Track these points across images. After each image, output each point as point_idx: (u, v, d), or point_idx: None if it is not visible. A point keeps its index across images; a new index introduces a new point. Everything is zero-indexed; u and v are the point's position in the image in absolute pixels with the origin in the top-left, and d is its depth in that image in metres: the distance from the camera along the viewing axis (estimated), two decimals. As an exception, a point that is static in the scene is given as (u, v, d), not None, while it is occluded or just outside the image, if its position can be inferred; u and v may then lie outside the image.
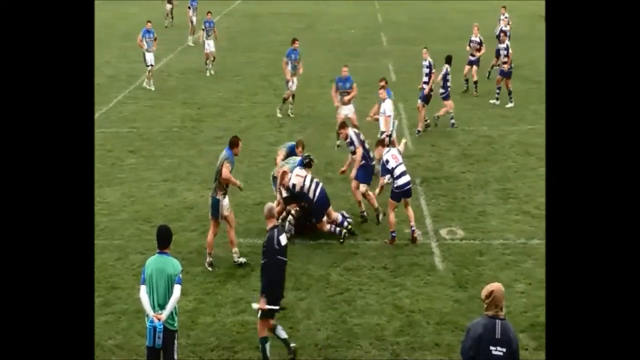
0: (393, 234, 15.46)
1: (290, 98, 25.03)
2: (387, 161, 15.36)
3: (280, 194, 15.74)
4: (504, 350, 7.90)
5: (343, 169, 17.49)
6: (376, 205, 16.33)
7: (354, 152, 16.81)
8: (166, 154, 21.44)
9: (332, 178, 18.67)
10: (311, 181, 15.56)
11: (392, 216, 15.42)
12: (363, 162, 16.59)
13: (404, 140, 18.23)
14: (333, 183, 18.34)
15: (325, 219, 15.67)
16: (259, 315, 11.19)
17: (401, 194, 15.39)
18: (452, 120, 23.63)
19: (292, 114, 25.04)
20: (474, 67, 27.68)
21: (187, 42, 37.89)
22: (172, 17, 43.15)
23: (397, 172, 15.29)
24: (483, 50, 27.77)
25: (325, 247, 15.38)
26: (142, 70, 29.87)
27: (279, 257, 10.98)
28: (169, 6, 42.76)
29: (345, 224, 15.73)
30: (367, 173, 16.75)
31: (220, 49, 33.65)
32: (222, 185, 14.28)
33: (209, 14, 32.69)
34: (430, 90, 23.11)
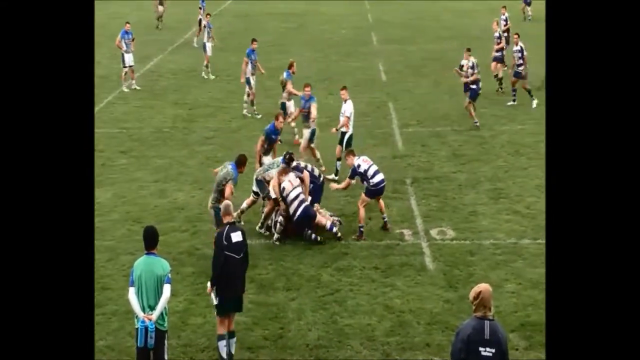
0: (361, 229, 15.71)
1: (252, 98, 25.12)
2: (359, 165, 15.75)
3: (270, 196, 15.75)
4: (493, 350, 7.92)
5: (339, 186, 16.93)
6: (328, 226, 15.72)
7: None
8: (157, 155, 21.42)
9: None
10: (296, 197, 15.45)
11: (362, 212, 15.69)
12: (311, 185, 16.20)
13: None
14: (324, 183, 18.33)
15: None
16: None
17: (376, 192, 15.76)
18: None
19: (257, 114, 24.95)
20: (498, 64, 27.80)
21: (192, 43, 37.53)
22: (161, 20, 42.76)
23: (370, 172, 15.70)
24: (502, 44, 28.07)
25: (316, 247, 15.39)
26: (134, 70, 29.85)
27: (226, 253, 11.03)
28: (161, 8, 42.49)
29: (334, 230, 15.70)
30: (318, 193, 16.51)
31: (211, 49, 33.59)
32: (223, 195, 14.25)
33: (208, 16, 32.58)
34: (479, 88, 23.41)
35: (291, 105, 22.37)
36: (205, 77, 30.98)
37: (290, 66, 22.68)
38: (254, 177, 16.45)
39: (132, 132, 23.48)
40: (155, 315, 9.89)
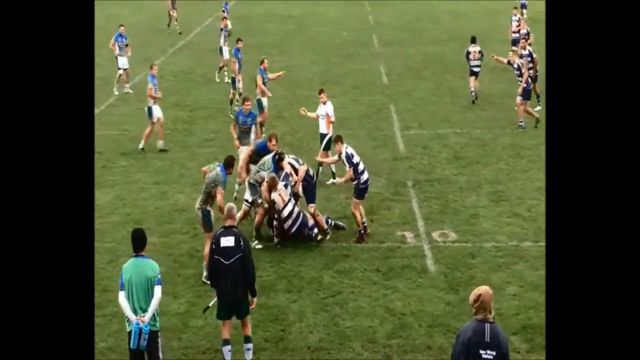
0: (360, 232, 15.67)
1: (237, 96, 25.14)
2: (352, 155, 15.58)
3: (260, 202, 15.67)
4: (494, 353, 7.89)
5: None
6: (325, 227, 15.81)
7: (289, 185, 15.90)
8: (157, 157, 21.40)
9: (322, 181, 18.64)
10: (289, 215, 15.28)
11: (358, 215, 15.63)
12: (305, 183, 16.03)
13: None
14: (324, 186, 18.33)
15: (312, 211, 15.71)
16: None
17: (365, 190, 15.69)
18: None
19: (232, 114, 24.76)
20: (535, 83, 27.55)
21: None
22: (170, 22, 42.09)
23: (360, 167, 15.59)
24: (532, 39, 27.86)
25: (317, 249, 15.37)
26: (134, 73, 29.84)
27: (215, 257, 11.01)
28: (173, 12, 41.79)
29: (330, 222, 15.76)
30: (312, 193, 16.23)
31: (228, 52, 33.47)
32: (212, 196, 14.14)
33: (225, 20, 31.87)
34: (528, 85, 23.46)
35: (265, 101, 22.86)
36: (218, 80, 30.74)
37: (262, 62, 23.19)
38: (247, 182, 16.22)
39: (132, 134, 23.44)
40: (147, 316, 9.88)
